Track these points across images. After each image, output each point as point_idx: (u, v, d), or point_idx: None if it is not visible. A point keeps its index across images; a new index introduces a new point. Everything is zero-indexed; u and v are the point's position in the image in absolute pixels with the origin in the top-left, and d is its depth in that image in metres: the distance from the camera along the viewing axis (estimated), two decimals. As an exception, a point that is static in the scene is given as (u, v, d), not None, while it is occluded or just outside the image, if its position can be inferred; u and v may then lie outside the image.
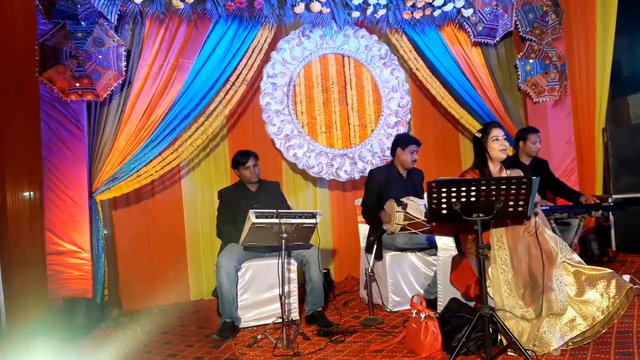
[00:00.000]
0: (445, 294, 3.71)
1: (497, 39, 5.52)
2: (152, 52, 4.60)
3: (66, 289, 4.18)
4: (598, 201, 4.69)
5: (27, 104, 4.38)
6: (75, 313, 4.00)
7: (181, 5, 4.46)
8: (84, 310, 4.04)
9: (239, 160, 4.26)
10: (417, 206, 4.12)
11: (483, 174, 3.29)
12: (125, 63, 4.35)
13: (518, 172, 3.32)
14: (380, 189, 4.40)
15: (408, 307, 3.76)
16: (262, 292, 4.00)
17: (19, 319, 4.30)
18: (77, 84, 4.16)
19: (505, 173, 3.32)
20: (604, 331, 2.96)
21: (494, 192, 2.79)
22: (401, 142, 4.51)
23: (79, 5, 4.11)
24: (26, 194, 4.50)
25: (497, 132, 3.29)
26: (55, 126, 4.24)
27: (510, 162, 3.48)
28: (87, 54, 4.16)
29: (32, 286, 4.42)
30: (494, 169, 3.32)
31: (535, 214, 3.05)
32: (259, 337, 3.59)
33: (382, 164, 5.34)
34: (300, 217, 3.60)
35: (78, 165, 4.30)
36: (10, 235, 4.42)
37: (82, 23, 4.17)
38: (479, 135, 3.34)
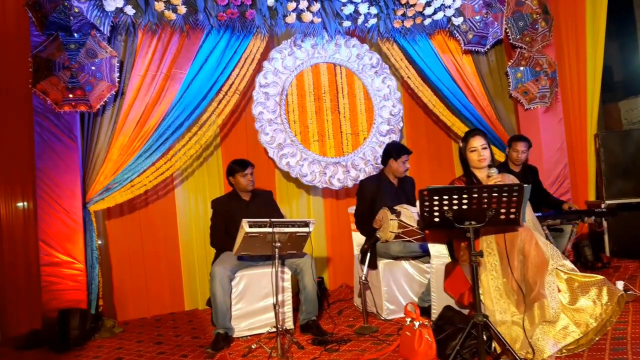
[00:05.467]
0: (439, 301, 3.72)
1: (488, 46, 5.56)
2: (144, 63, 4.62)
3: (60, 300, 4.18)
4: (577, 207, 4.75)
5: (21, 116, 4.39)
6: (70, 324, 4.01)
7: (173, 17, 4.47)
8: (78, 320, 4.04)
9: (237, 167, 4.23)
10: (410, 214, 4.13)
11: (470, 182, 3.31)
12: (118, 74, 4.36)
13: (507, 177, 3.33)
14: (371, 198, 4.41)
15: (402, 315, 3.75)
16: (256, 302, 4.00)
17: (12, 330, 4.30)
18: (70, 95, 4.17)
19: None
20: (597, 339, 2.96)
21: (485, 200, 2.80)
22: (393, 152, 4.50)
23: (71, 17, 4.12)
24: (20, 204, 4.51)
25: (474, 143, 3.32)
26: (49, 137, 4.26)
27: (501, 170, 3.49)
28: (80, 65, 4.16)
29: (26, 297, 4.42)
30: (481, 174, 3.35)
31: None
32: (253, 347, 3.59)
33: (375, 172, 5.36)
34: (293, 226, 3.59)
35: (71, 176, 4.32)
36: (3, 246, 4.42)
37: (75, 35, 4.19)
38: (461, 144, 3.39)
